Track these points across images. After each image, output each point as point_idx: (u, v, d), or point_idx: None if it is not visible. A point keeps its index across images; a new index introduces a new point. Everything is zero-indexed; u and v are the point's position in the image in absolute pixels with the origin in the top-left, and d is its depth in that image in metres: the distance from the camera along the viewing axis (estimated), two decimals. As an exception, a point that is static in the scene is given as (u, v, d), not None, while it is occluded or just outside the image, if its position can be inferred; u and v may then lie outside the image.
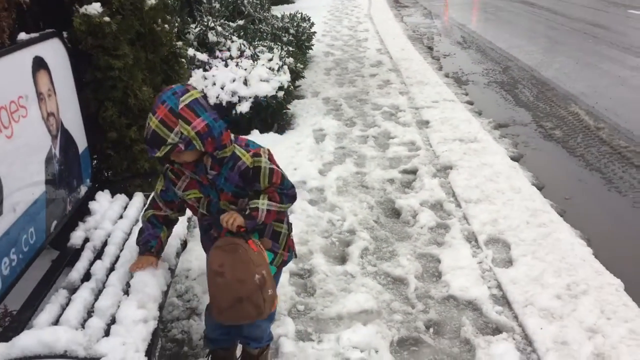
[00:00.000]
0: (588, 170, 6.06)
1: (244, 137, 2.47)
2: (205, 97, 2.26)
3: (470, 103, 8.37)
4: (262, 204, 2.36)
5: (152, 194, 2.59)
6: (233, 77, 6.64)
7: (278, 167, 2.41)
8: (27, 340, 2.01)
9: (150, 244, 2.54)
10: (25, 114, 2.65)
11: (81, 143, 3.37)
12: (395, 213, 4.79)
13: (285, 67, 7.34)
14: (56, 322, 2.27)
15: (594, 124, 7.37)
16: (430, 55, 11.79)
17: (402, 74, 9.69)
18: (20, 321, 2.38)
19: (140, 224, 2.67)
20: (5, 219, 2.42)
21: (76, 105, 3.32)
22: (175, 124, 2.11)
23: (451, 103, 7.93)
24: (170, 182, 2.45)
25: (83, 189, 3.36)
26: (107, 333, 2.19)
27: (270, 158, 2.40)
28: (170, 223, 2.63)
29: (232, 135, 2.35)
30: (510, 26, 15.88)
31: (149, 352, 2.18)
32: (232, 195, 2.38)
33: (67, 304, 2.41)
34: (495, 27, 15.92)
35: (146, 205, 2.62)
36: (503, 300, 3.54)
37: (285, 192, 2.43)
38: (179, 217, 2.68)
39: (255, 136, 6.43)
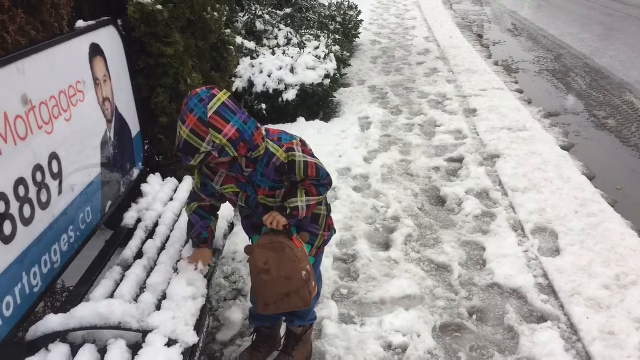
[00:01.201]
0: (642, 161, 5.88)
1: (275, 129, 2.47)
2: (231, 96, 2.23)
3: (520, 91, 8.20)
4: (301, 201, 2.40)
5: (193, 187, 2.63)
6: (280, 65, 6.71)
7: (313, 156, 2.43)
8: (84, 311, 2.13)
9: (203, 235, 2.59)
10: (83, 98, 2.77)
11: (134, 127, 3.49)
12: (440, 201, 4.77)
13: (332, 55, 7.36)
14: (111, 297, 2.39)
15: (649, 113, 7.14)
16: (479, 43, 11.58)
17: (449, 62, 9.57)
18: (77, 295, 2.50)
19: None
20: (64, 199, 2.55)
21: (130, 90, 3.44)
22: (206, 133, 2.10)
23: (500, 91, 7.79)
24: (206, 177, 2.46)
25: (136, 172, 3.49)
26: (158, 308, 2.29)
27: (304, 150, 2.40)
28: (216, 211, 2.70)
29: (264, 130, 2.36)
30: (563, 13, 15.42)
31: (197, 327, 2.26)
32: (269, 190, 2.41)
33: (121, 280, 2.52)
34: (547, 14, 15.49)
35: (188, 199, 2.67)
36: (549, 289, 3.50)
37: (322, 182, 2.45)
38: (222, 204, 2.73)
39: (301, 123, 6.49)
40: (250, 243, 2.63)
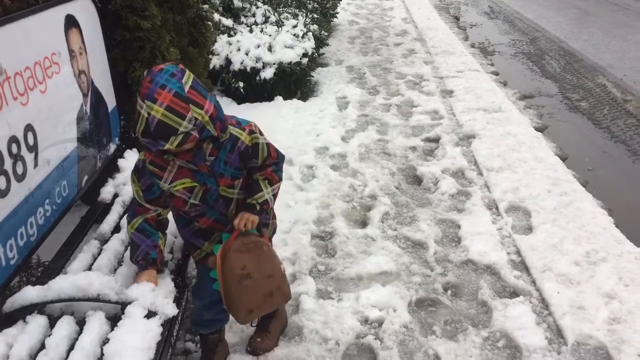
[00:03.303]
0: (613, 142, 6.01)
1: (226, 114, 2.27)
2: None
3: (496, 73, 8.28)
4: (267, 192, 2.32)
5: (130, 202, 2.37)
6: (258, 43, 6.65)
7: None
8: (62, 283, 2.12)
9: (151, 255, 2.23)
10: (58, 70, 2.72)
11: (110, 102, 3.44)
12: (417, 180, 4.82)
13: (310, 34, 7.32)
14: (89, 270, 2.38)
15: (621, 96, 7.27)
16: (456, 25, 11.63)
17: (427, 43, 9.59)
18: (54, 268, 2.48)
19: None
20: (40, 172, 2.51)
21: (105, 64, 3.38)
22: (186, 110, 1.89)
23: (476, 73, 7.85)
24: (152, 176, 2.20)
25: (112, 147, 3.45)
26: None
27: (261, 132, 2.33)
28: (163, 226, 2.38)
29: None
30: (539, -4, 15.54)
31: (176, 301, 2.26)
32: (230, 179, 2.27)
33: (99, 254, 2.52)
34: (524, -3, 15.60)
35: (127, 217, 2.34)
36: (521, 265, 3.58)
37: (280, 165, 2.39)
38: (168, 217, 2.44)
39: (278, 102, 6.47)
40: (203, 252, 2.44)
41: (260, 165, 2.30)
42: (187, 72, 1.98)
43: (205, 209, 2.30)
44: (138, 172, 2.22)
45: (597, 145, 5.98)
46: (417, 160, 5.15)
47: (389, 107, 6.58)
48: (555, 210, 4.14)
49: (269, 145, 2.31)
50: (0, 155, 2.18)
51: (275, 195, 2.37)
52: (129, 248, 2.53)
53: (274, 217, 2.61)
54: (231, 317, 2.45)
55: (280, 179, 2.39)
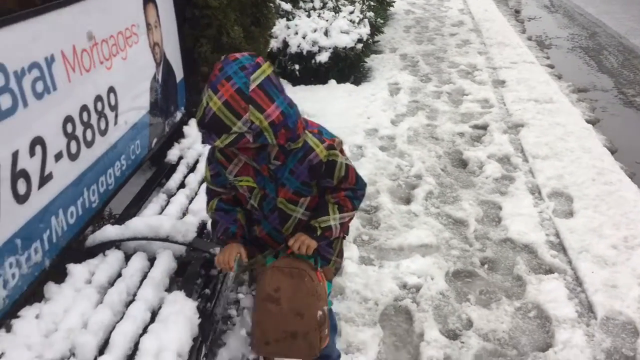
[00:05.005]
0: (666, 138, 5.98)
1: (314, 122, 2.05)
2: (274, 71, 1.81)
3: (551, 66, 8.26)
4: (334, 219, 2.02)
5: (205, 186, 2.21)
6: (315, 27, 6.88)
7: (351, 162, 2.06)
8: (138, 223, 2.42)
9: (230, 230, 2.07)
10: (137, 40, 3.03)
11: (179, 74, 3.75)
12: (462, 163, 4.97)
13: (366, 20, 7.50)
14: (158, 216, 2.68)
15: (679, 92, 7.17)
16: (514, 18, 11.55)
17: (482, 34, 9.60)
18: (127, 216, 2.79)
19: None
20: (118, 130, 2.83)
21: (176, 38, 3.69)
22: (244, 110, 1.68)
23: (530, 65, 7.85)
24: (218, 165, 2.02)
25: (178, 115, 3.76)
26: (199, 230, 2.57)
27: (343, 151, 2.02)
28: (242, 202, 2.14)
29: (304, 120, 1.94)
30: (603, -9, 15.17)
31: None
32: (293, 193, 2.00)
33: (166, 205, 2.81)
34: (586, -9, 15.26)
35: (207, 198, 2.19)
36: (559, 246, 3.70)
37: (359, 194, 2.08)
38: None
39: (332, 85, 6.69)
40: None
41: (335, 186, 2.02)
42: (264, 67, 1.75)
43: (261, 217, 2.09)
44: (209, 157, 2.07)
45: (649, 140, 5.96)
46: (464, 145, 5.29)
47: (440, 94, 6.71)
48: (598, 198, 4.22)
49: (349, 167, 2.01)
50: (87, 110, 2.49)
51: (343, 225, 2.06)
52: (192, 200, 2.82)
53: (341, 255, 2.26)
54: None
55: (355, 209, 2.07)
